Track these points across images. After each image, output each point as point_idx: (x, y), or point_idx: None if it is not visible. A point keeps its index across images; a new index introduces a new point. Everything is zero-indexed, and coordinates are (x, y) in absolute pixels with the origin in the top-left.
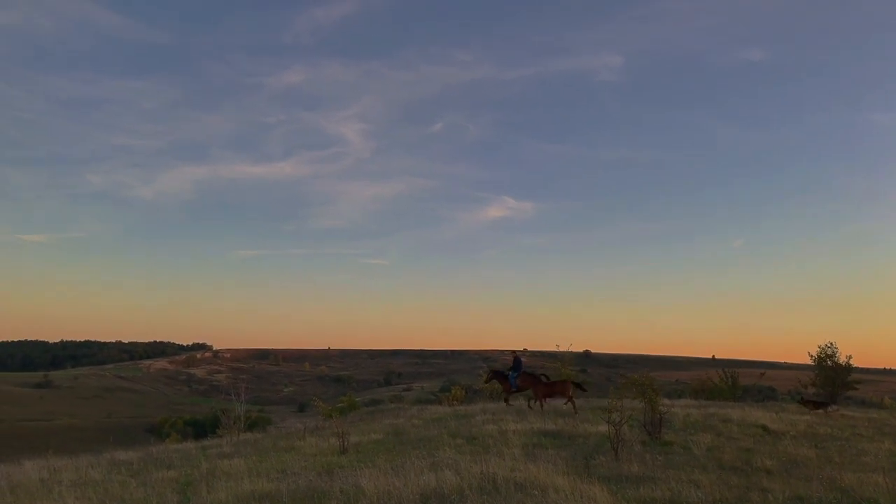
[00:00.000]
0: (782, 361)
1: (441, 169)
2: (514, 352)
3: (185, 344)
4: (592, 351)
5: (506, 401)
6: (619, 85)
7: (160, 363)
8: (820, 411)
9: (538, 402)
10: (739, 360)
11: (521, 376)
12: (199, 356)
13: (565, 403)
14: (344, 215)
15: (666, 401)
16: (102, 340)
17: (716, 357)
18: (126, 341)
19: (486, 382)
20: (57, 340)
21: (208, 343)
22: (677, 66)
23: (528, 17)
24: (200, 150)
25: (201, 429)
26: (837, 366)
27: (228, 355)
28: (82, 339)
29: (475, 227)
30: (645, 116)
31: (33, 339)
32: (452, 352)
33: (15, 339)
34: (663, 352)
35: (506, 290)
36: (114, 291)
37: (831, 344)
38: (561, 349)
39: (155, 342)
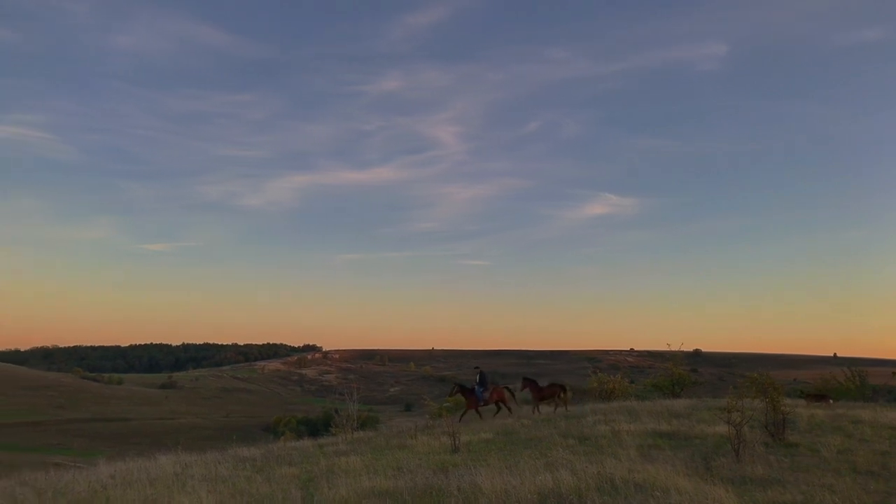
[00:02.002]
0: None
1: (538, 168)
2: (476, 367)
3: (296, 345)
4: (703, 350)
5: (477, 413)
6: (722, 74)
7: (273, 364)
8: None
9: (535, 408)
10: (865, 358)
11: (494, 390)
12: (309, 357)
13: (556, 408)
14: (442, 218)
15: (787, 401)
16: (220, 343)
17: (837, 355)
18: (241, 343)
19: (451, 396)
20: (179, 343)
21: (318, 344)
22: (783, 53)
23: (624, 9)
24: (304, 158)
25: (313, 427)
26: None
27: (337, 356)
28: (202, 342)
29: (575, 225)
30: (749, 106)
31: (158, 342)
32: (556, 352)
33: (142, 343)
34: (778, 350)
35: (609, 288)
36: (229, 296)
37: None
38: (672, 348)
39: (268, 344)
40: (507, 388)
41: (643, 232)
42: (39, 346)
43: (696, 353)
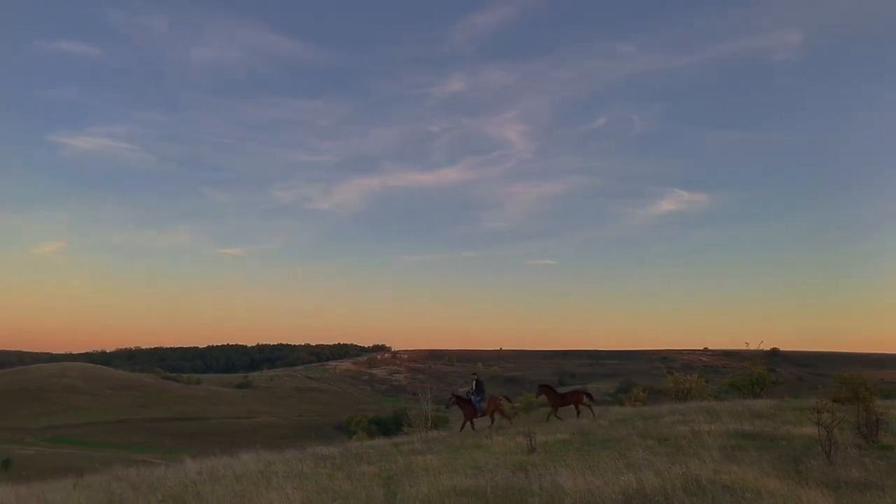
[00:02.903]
0: None
1: (606, 165)
2: (474, 374)
3: (366, 346)
4: (781, 349)
5: (471, 425)
6: (798, 63)
7: (345, 364)
8: None
9: (553, 413)
10: None
11: (491, 399)
12: (379, 357)
13: (579, 414)
14: (510, 217)
15: (879, 401)
16: (293, 344)
17: None
18: (314, 344)
19: (448, 408)
20: (254, 344)
21: (387, 344)
22: (862, 39)
23: (692, 1)
24: (371, 161)
25: (385, 427)
26: None
27: (406, 356)
28: (276, 343)
29: (646, 222)
30: (827, 95)
31: (234, 343)
32: (627, 352)
33: (219, 344)
34: (862, 348)
35: (680, 286)
36: (301, 297)
37: None
38: (750, 347)
39: (339, 344)
40: (505, 397)
41: (716, 228)
42: (123, 347)
43: (774, 352)
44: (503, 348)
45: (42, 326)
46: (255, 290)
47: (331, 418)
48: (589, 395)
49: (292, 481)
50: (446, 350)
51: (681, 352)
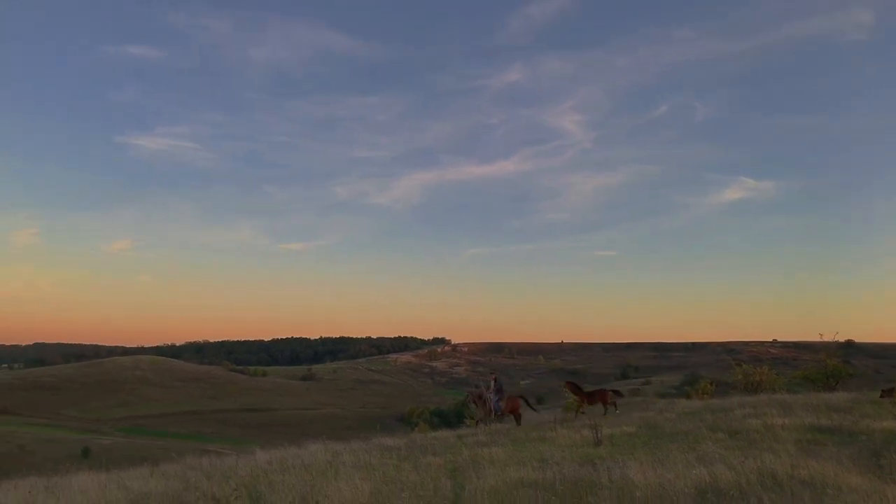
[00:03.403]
0: None
1: (668, 153)
2: (492, 372)
3: (426, 339)
4: (856, 340)
5: (484, 423)
6: (869, 44)
7: (405, 357)
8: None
9: (580, 411)
10: None
11: (509, 399)
12: (439, 350)
13: (605, 413)
14: (569, 208)
15: None
16: (354, 337)
17: None
18: (374, 337)
19: (464, 406)
20: (317, 337)
21: (447, 337)
22: None
23: None
24: (428, 155)
25: (446, 419)
26: None
27: (466, 349)
28: (338, 336)
29: (710, 211)
30: None
31: (297, 336)
32: (693, 344)
33: (283, 337)
34: None
35: (748, 277)
36: (362, 291)
37: None
38: (824, 338)
39: (399, 337)
40: (521, 397)
41: (784, 216)
42: (192, 340)
43: (849, 344)
44: (564, 341)
45: (115, 321)
46: (316, 285)
47: (392, 410)
48: (618, 393)
49: (360, 472)
50: (506, 343)
51: (748, 344)
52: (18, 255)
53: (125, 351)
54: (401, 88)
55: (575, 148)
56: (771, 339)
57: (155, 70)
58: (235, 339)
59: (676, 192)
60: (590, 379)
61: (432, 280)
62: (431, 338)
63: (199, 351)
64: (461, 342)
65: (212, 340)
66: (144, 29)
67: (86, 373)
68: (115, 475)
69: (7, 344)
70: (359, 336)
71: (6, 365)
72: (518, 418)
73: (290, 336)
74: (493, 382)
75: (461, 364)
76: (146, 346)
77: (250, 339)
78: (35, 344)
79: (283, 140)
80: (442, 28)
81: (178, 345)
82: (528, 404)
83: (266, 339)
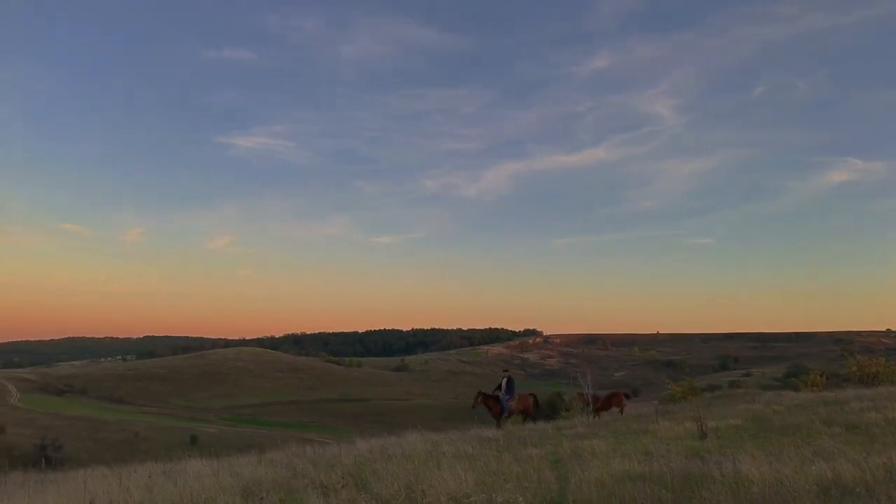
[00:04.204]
0: None
1: (766, 136)
2: (505, 370)
3: (517, 330)
4: None
5: (497, 425)
6: None
7: (496, 348)
8: None
9: (595, 415)
10: None
11: (520, 398)
12: (531, 342)
13: (621, 412)
14: (661, 195)
15: None
16: (445, 328)
17: None
18: (465, 328)
19: (474, 407)
20: (409, 329)
21: (538, 329)
22: None
23: None
24: (516, 145)
25: (537, 411)
26: None
27: (558, 340)
28: (429, 328)
29: (813, 195)
30: None
31: (390, 328)
32: (797, 334)
33: (376, 329)
34: None
35: (857, 263)
36: (452, 283)
37: None
38: None
39: (490, 329)
40: (532, 395)
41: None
42: (290, 332)
43: None
44: (660, 332)
45: (218, 314)
46: (407, 277)
47: None
48: (627, 396)
49: (461, 462)
50: (600, 334)
51: (858, 333)
52: (128, 253)
53: (227, 343)
54: (487, 79)
55: (667, 133)
56: (884, 329)
57: (251, 72)
58: (331, 331)
59: (776, 176)
60: (687, 370)
61: (522, 271)
62: (522, 329)
63: (297, 342)
64: (553, 333)
65: (309, 332)
66: (240, 33)
67: (192, 364)
68: (224, 462)
69: (120, 337)
70: (450, 327)
71: (120, 357)
72: (530, 417)
73: (382, 328)
74: (505, 382)
75: (553, 356)
76: (247, 338)
77: (345, 330)
78: (145, 337)
79: (373, 135)
80: (527, 16)
81: (277, 337)
82: (538, 404)
83: (360, 331)
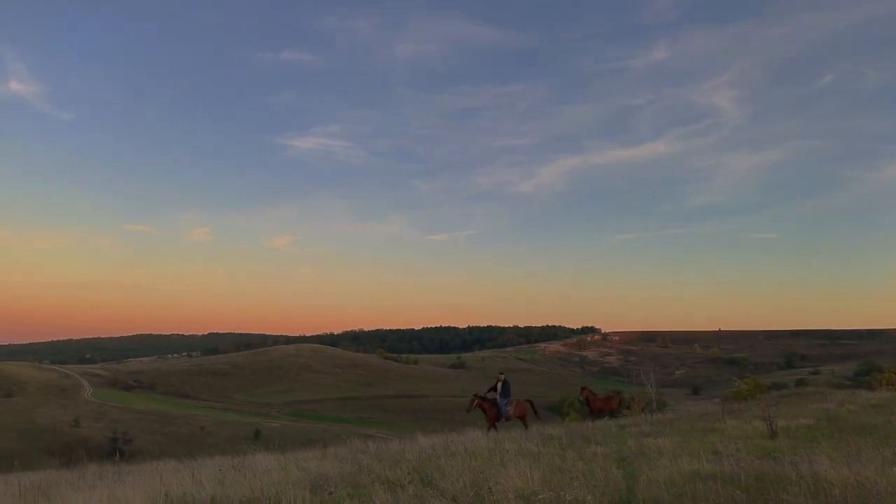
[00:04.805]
0: None
1: (834, 126)
2: (501, 373)
3: (574, 327)
4: None
5: (494, 428)
6: None
7: (554, 346)
8: None
9: (592, 417)
10: None
11: (517, 404)
12: (589, 339)
13: (611, 417)
14: (723, 189)
15: None
16: (501, 325)
17: None
18: (522, 326)
19: (469, 410)
20: (465, 326)
21: (597, 326)
22: None
23: None
24: (572, 140)
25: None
26: None
27: (617, 338)
28: (485, 325)
29: (884, 186)
30: None
31: (446, 325)
32: (867, 331)
33: (432, 326)
34: None
35: None
36: (507, 280)
37: None
38: None
39: (547, 326)
40: (528, 401)
41: None
42: (348, 329)
43: None
44: (722, 329)
45: (279, 311)
46: (462, 274)
47: (542, 399)
48: (621, 401)
49: (525, 459)
50: (659, 331)
51: None
52: (193, 252)
53: (288, 340)
54: (542, 74)
55: (728, 126)
56: None
57: (308, 73)
58: (388, 328)
59: (845, 168)
60: (751, 368)
61: (579, 268)
62: (580, 326)
63: (356, 339)
64: (611, 331)
65: (367, 329)
66: (296, 35)
67: (254, 360)
68: (290, 456)
69: (185, 334)
70: (506, 325)
71: (185, 353)
72: (525, 424)
73: (439, 325)
74: (500, 384)
75: (612, 353)
76: (307, 334)
77: (402, 327)
78: (209, 334)
79: (427, 133)
80: (581, 10)
81: (336, 333)
82: (535, 410)
83: (417, 328)
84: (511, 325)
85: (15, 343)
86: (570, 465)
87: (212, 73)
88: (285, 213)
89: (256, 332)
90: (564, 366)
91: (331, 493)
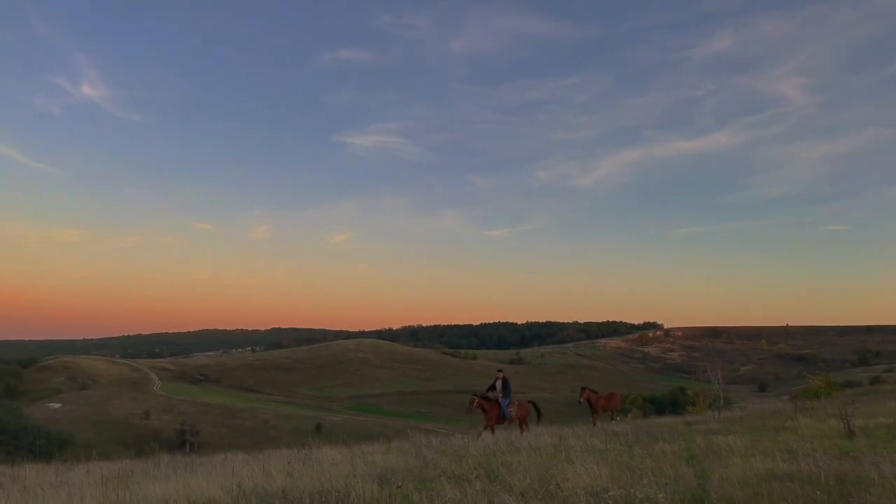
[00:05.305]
0: None
1: None
2: (500, 371)
3: (636, 323)
4: None
5: (491, 430)
6: None
7: (615, 342)
8: None
9: (593, 422)
10: None
11: (520, 405)
12: (650, 335)
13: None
14: (791, 180)
15: None
16: (561, 321)
17: None
18: (582, 321)
19: (469, 411)
20: (523, 322)
21: (658, 322)
22: None
23: None
24: (633, 133)
25: (660, 406)
26: None
27: (680, 333)
28: (544, 321)
29: None
30: None
31: (504, 321)
32: None
33: (490, 322)
34: None
35: None
36: (567, 275)
37: None
38: None
39: (608, 322)
40: (531, 402)
41: None
42: (407, 325)
43: None
44: (790, 324)
45: (339, 307)
46: (520, 270)
47: None
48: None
49: (591, 456)
50: (724, 327)
51: None
52: (256, 249)
53: (348, 335)
54: (601, 66)
55: (797, 115)
56: None
57: (365, 71)
58: (446, 324)
59: None
60: (821, 365)
61: (641, 262)
62: (642, 322)
63: (414, 335)
64: (674, 326)
65: (425, 325)
66: (354, 33)
67: (315, 355)
68: (355, 450)
69: (249, 329)
70: (566, 321)
71: (249, 348)
72: (526, 426)
73: (497, 320)
74: (500, 382)
75: (675, 349)
76: (366, 329)
77: (460, 323)
78: (272, 329)
79: (485, 128)
80: (641, 1)
81: (394, 329)
82: (539, 412)
83: (475, 324)
84: (570, 321)
85: (89, 338)
86: (637, 462)
87: (272, 73)
88: (344, 210)
89: (317, 328)
90: (626, 362)
91: (399, 487)
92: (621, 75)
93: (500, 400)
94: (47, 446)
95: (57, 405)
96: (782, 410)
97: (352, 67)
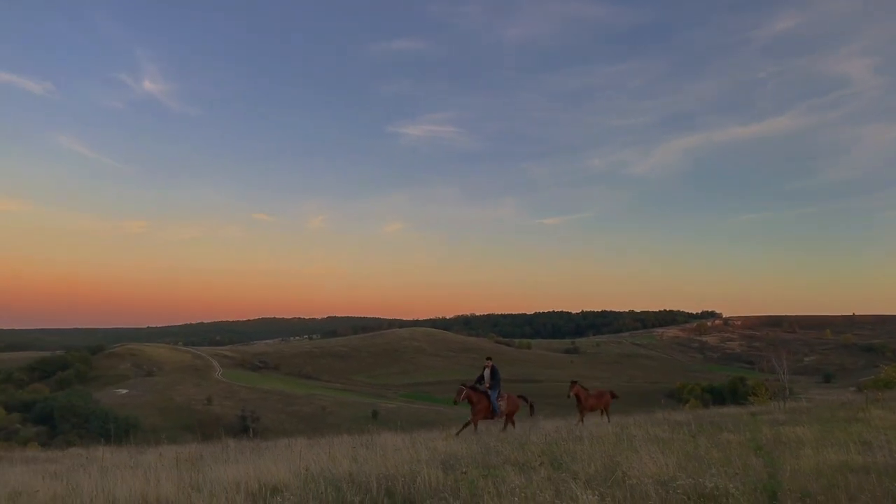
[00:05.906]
0: None
1: None
2: (489, 359)
3: (693, 312)
4: None
5: (474, 426)
6: None
7: (671, 331)
8: None
9: (580, 419)
10: None
11: (509, 399)
12: (709, 324)
13: (607, 419)
14: (859, 164)
15: None
16: (617, 310)
17: None
18: (638, 310)
19: (456, 403)
20: (578, 311)
21: (717, 310)
22: None
23: None
24: (690, 118)
25: (719, 396)
26: None
27: (739, 323)
28: (599, 310)
29: None
30: None
31: (559, 310)
32: None
33: (545, 311)
34: None
35: None
36: (623, 264)
37: None
38: None
39: (664, 311)
40: (522, 397)
41: None
42: (460, 314)
43: None
44: (857, 313)
45: (393, 296)
46: (575, 258)
47: (660, 385)
48: (615, 396)
49: (654, 445)
50: (786, 316)
51: None
52: (312, 239)
53: (402, 323)
54: (657, 51)
55: (864, 96)
56: None
57: (417, 61)
58: (500, 313)
59: None
60: (890, 356)
61: (699, 250)
62: (700, 311)
63: (467, 324)
64: (733, 315)
65: (478, 314)
66: (407, 23)
67: (371, 343)
68: (415, 436)
69: (306, 317)
70: (621, 310)
71: (306, 336)
72: (513, 422)
73: (551, 310)
74: (489, 371)
75: (734, 339)
76: (420, 318)
77: (513, 312)
78: (329, 317)
79: (539, 115)
80: None
81: (448, 318)
82: (531, 407)
83: (529, 313)
84: (626, 310)
85: (154, 326)
86: (703, 452)
87: (325, 66)
88: (397, 199)
89: (372, 316)
90: (684, 352)
91: (464, 473)
92: (678, 59)
93: (490, 393)
94: (116, 430)
95: (124, 391)
96: (852, 401)
97: (404, 58)
